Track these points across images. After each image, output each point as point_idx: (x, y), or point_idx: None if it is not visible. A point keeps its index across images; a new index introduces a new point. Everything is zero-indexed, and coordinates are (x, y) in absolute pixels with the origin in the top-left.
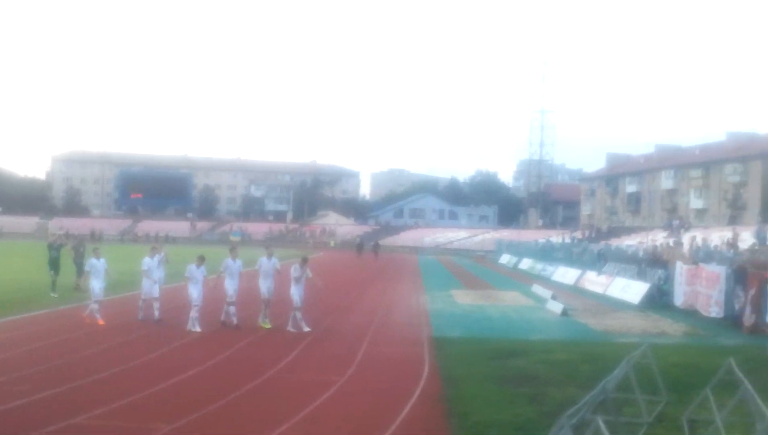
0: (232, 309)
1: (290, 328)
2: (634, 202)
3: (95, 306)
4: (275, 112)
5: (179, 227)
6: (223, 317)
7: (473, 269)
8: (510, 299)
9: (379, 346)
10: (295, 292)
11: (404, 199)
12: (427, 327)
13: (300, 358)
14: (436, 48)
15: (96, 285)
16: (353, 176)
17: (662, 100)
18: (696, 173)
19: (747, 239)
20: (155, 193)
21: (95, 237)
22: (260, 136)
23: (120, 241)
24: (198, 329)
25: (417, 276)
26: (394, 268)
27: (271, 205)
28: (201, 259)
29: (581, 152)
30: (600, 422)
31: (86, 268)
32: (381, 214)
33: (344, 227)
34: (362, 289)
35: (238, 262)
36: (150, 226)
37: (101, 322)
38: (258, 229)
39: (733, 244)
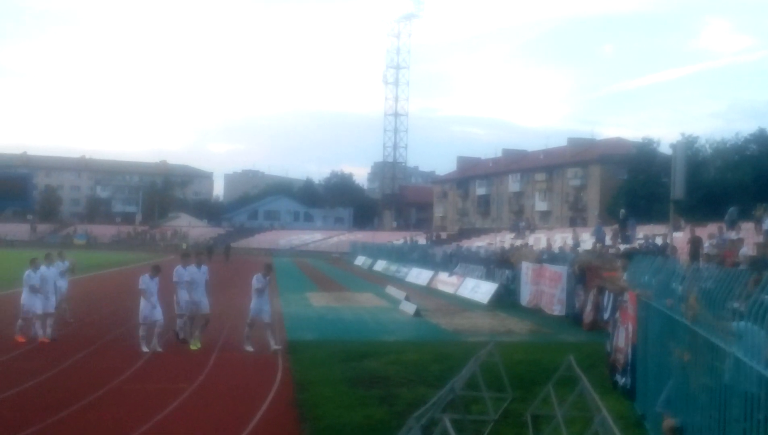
0: (180, 322)
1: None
2: (484, 204)
3: (21, 322)
4: (122, 109)
5: (18, 230)
6: (177, 331)
7: (328, 271)
8: (364, 301)
9: (231, 351)
10: (255, 306)
11: (259, 201)
12: (280, 330)
13: (148, 367)
14: (286, 47)
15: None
16: (206, 177)
17: (508, 105)
18: (540, 177)
19: (587, 240)
20: None
21: None
22: (106, 134)
23: None
24: (146, 349)
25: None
26: (247, 271)
27: (118, 207)
28: (156, 269)
29: (434, 155)
30: (447, 421)
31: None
32: (235, 216)
33: (197, 229)
34: (213, 294)
35: (204, 269)
36: None
37: (44, 339)
38: (104, 231)
39: (574, 245)
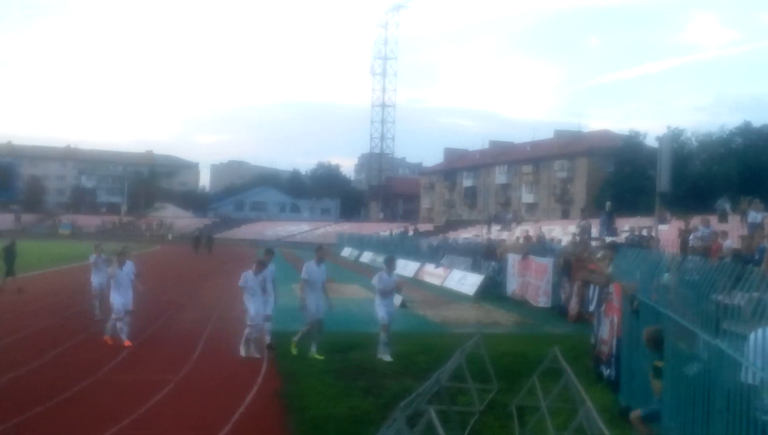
0: (268, 325)
1: (381, 355)
2: (471, 196)
3: (118, 324)
4: (108, 99)
5: (2, 220)
6: (269, 340)
7: None
8: (351, 292)
9: (217, 343)
10: (381, 309)
11: (245, 192)
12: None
13: (132, 358)
14: (273, 37)
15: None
16: (192, 168)
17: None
18: (527, 169)
19: (574, 232)
20: None
21: None
22: (92, 124)
23: None
24: (257, 355)
25: None
26: (234, 262)
27: (104, 197)
28: (260, 265)
29: (421, 147)
30: (432, 413)
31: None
32: (221, 207)
33: (183, 220)
34: (199, 285)
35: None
36: None
37: (127, 343)
38: (90, 221)
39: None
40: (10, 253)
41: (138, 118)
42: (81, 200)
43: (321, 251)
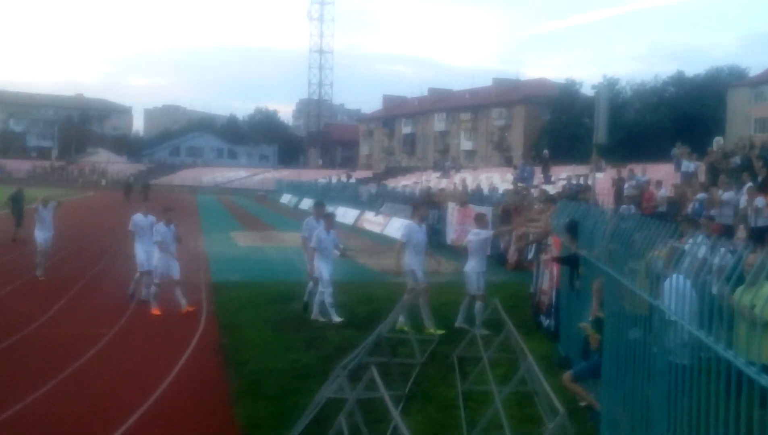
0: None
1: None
2: (410, 143)
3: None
4: (35, 39)
5: None
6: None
7: (253, 209)
8: (290, 240)
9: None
10: (473, 268)
11: (181, 137)
12: (205, 272)
13: (64, 311)
14: None
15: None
16: (125, 112)
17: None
18: (466, 116)
19: (511, 180)
20: None
21: None
22: (18, 65)
23: None
24: (337, 318)
25: (194, 217)
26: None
27: (33, 141)
28: (329, 219)
29: (360, 93)
30: (373, 368)
31: (130, 227)
32: (156, 153)
33: (116, 165)
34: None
35: (333, 234)
36: None
37: (156, 311)
38: (19, 166)
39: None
40: (17, 202)
41: (67, 59)
42: (10, 144)
43: (422, 210)
